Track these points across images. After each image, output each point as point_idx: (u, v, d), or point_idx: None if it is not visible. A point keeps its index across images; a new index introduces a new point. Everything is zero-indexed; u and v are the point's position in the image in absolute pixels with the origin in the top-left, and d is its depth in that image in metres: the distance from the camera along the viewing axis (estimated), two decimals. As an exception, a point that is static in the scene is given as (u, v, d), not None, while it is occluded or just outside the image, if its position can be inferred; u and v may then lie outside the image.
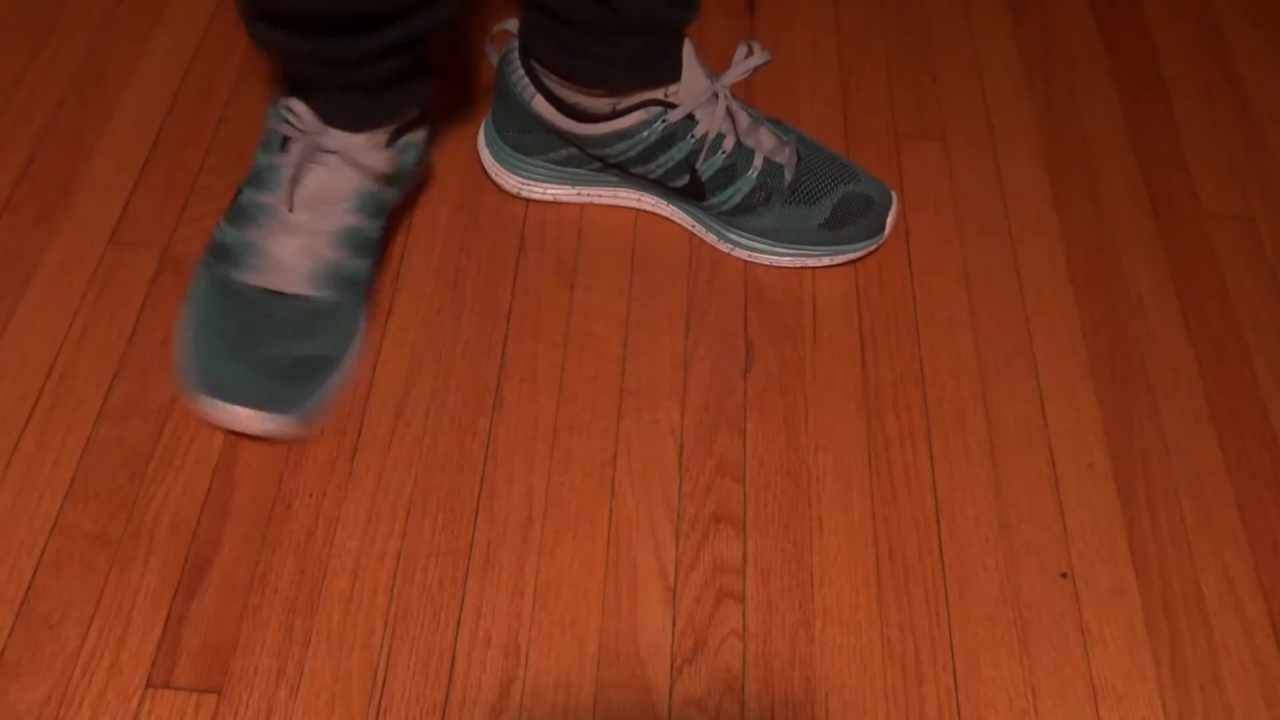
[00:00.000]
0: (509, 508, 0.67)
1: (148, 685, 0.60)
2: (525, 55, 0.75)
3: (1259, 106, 0.93)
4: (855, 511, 0.69)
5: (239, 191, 0.71)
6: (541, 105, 0.74)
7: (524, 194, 0.81)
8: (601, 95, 0.74)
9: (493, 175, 0.82)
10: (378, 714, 0.60)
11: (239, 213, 0.70)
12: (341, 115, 0.69)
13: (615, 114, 0.74)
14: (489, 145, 0.81)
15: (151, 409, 0.70)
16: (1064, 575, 0.67)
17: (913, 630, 0.64)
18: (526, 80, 0.74)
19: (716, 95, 0.74)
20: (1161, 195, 0.87)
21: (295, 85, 0.69)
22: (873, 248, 0.79)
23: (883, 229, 0.79)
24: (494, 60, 0.78)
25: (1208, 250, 0.83)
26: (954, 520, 0.69)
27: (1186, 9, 1.00)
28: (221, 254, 0.70)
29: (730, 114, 0.75)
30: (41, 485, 0.67)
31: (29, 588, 0.63)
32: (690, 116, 0.74)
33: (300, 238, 0.69)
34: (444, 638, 0.63)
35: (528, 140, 0.78)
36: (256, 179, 0.70)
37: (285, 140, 0.69)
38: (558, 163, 0.79)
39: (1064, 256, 0.82)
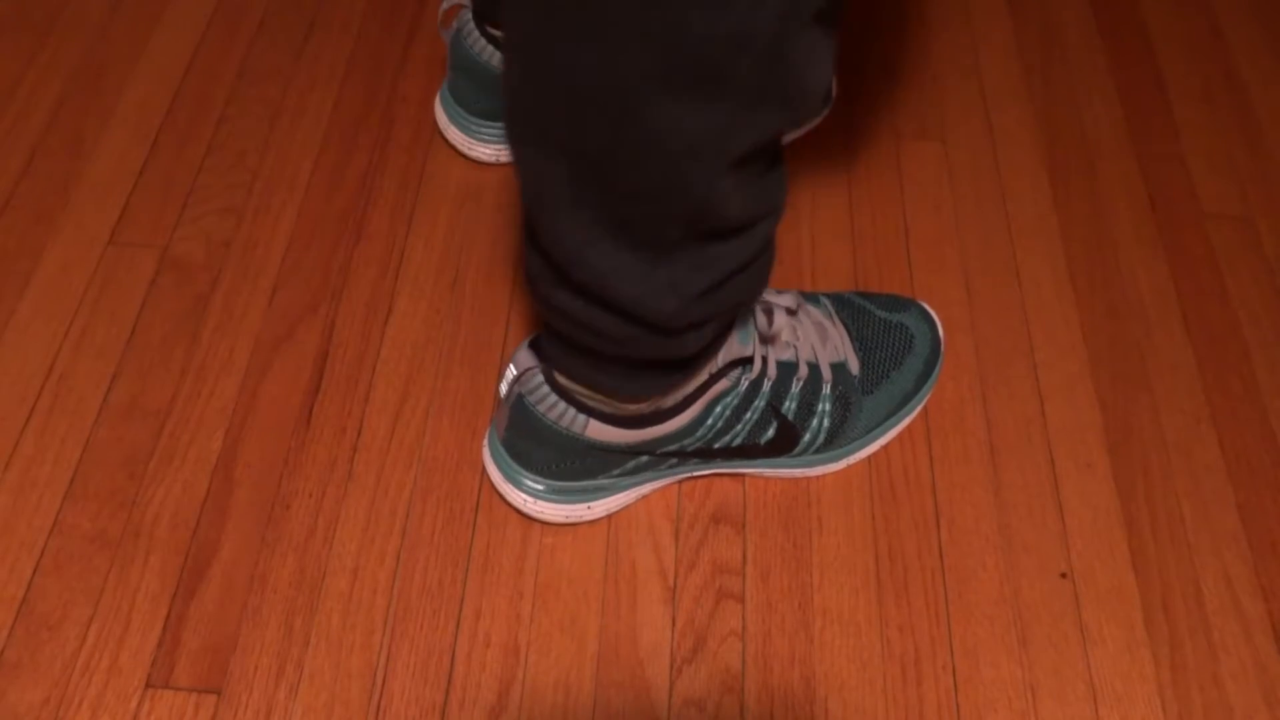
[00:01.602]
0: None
1: (147, 685, 0.60)
2: (480, 20, 0.75)
3: (1259, 106, 0.93)
4: (855, 511, 0.69)
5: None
6: None
7: (503, 159, 0.82)
8: None
9: (464, 150, 0.82)
10: (377, 714, 0.60)
11: None
12: None
13: None
14: (453, 122, 0.82)
15: (151, 409, 0.70)
16: (1063, 575, 0.67)
17: (912, 630, 0.64)
18: (490, 47, 0.75)
19: None
20: (1161, 195, 0.86)
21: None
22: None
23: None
24: (447, 39, 0.78)
25: (1208, 250, 0.83)
26: (953, 520, 0.69)
27: (1186, 9, 1.00)
28: None
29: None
30: (41, 485, 0.67)
31: (29, 588, 0.63)
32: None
33: None
34: (444, 638, 0.63)
35: (492, 106, 0.79)
36: None
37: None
38: None
39: (1064, 256, 0.82)
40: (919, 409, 0.72)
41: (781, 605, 0.65)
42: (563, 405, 0.60)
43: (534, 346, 0.62)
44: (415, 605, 0.64)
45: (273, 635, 0.62)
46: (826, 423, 0.67)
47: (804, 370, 0.65)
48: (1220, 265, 0.82)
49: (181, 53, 0.90)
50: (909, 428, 0.72)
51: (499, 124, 0.80)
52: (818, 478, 0.69)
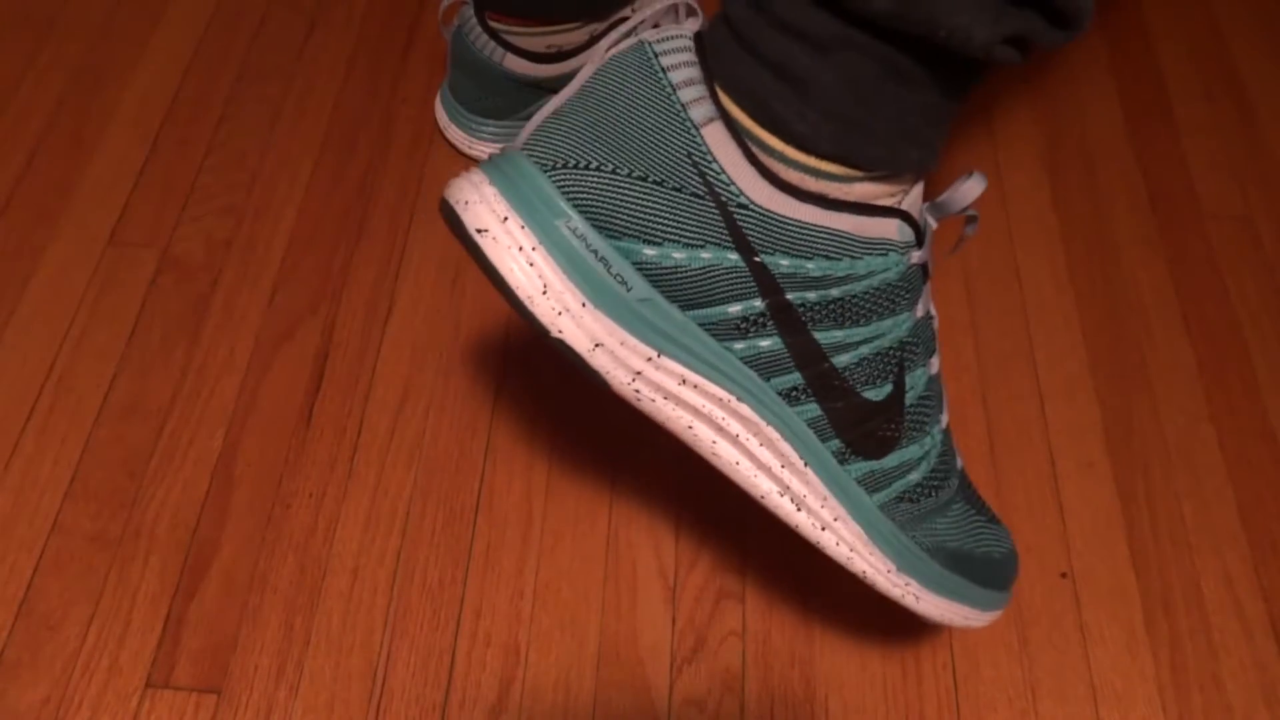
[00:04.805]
0: (509, 507, 0.67)
1: (147, 685, 0.60)
2: (480, 10, 0.75)
3: (1259, 106, 0.93)
4: (855, 511, 0.69)
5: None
6: (515, 63, 0.76)
7: None
8: (579, 26, 0.72)
9: (464, 148, 0.82)
10: (377, 714, 0.60)
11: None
12: None
13: (594, 39, 0.75)
14: (453, 120, 0.82)
15: (151, 409, 0.70)
16: (1064, 575, 0.67)
17: (913, 630, 0.64)
18: (492, 43, 0.75)
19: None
20: (1161, 195, 0.86)
21: None
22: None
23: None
24: (448, 36, 0.78)
25: (1208, 250, 0.83)
26: (954, 520, 0.69)
27: (1186, 9, 1.00)
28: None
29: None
30: (41, 485, 0.67)
31: (29, 588, 0.63)
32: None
33: None
34: (444, 638, 0.63)
35: (494, 104, 0.79)
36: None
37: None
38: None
39: (1064, 256, 0.82)
40: (964, 615, 0.55)
41: (782, 605, 0.65)
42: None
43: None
44: (415, 605, 0.64)
45: (273, 635, 0.62)
46: (926, 469, 0.46)
47: (935, 370, 0.45)
48: (1220, 265, 0.82)
49: (181, 53, 0.90)
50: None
51: (499, 122, 0.80)
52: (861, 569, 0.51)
